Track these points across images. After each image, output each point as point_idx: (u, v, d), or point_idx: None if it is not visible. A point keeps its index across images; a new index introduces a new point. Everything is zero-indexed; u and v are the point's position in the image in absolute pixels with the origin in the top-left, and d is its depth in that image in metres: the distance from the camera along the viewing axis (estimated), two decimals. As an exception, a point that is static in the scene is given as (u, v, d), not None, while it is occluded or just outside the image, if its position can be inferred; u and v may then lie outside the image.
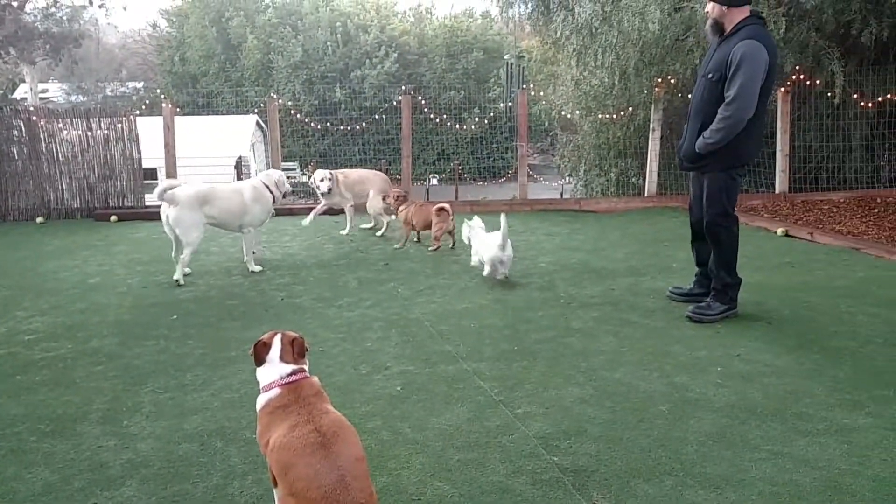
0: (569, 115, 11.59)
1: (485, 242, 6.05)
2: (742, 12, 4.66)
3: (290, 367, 2.54)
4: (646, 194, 10.05)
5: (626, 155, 10.84)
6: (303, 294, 5.81)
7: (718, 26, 4.73)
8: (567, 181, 15.04)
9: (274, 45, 32.95)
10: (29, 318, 5.21)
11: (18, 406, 3.73)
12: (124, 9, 32.33)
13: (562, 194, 15.52)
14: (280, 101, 10.40)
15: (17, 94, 34.29)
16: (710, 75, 4.70)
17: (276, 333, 2.62)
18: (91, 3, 31.91)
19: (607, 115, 10.41)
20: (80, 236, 8.27)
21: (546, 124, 13.96)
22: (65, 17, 32.27)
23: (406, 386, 3.95)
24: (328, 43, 32.96)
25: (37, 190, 9.56)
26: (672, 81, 9.55)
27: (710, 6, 4.72)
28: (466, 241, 6.46)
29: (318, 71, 32.48)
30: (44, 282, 6.24)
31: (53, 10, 31.86)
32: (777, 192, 9.94)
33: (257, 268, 6.49)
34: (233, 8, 34.53)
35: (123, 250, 7.49)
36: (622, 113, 10.19)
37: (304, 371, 2.59)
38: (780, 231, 8.07)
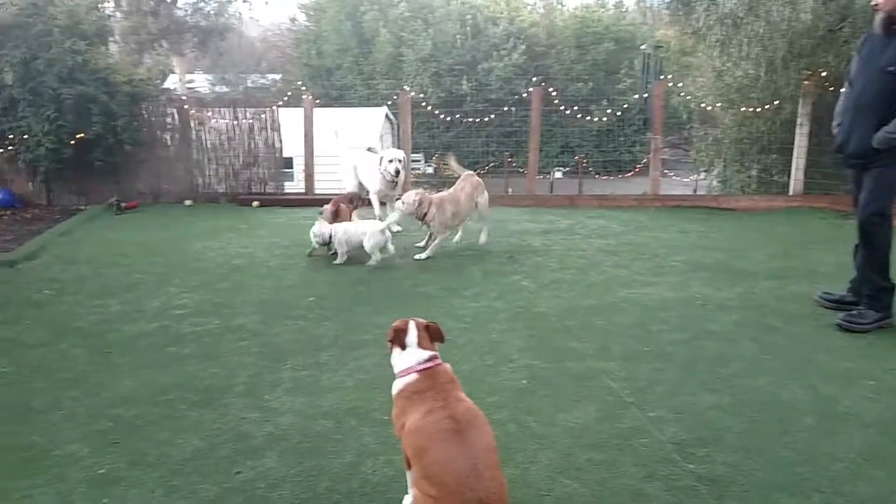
0: (708, 108, 11.03)
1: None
2: None
3: (426, 354, 2.59)
4: (790, 193, 9.42)
5: (769, 151, 10.20)
6: (428, 283, 5.89)
7: (892, 20, 4.36)
8: (702, 177, 14.37)
9: (405, 38, 33.68)
10: (179, 294, 5.61)
11: (170, 376, 4.03)
12: (266, 3, 34.17)
13: (695, 190, 14.87)
14: (411, 94, 10.59)
15: (167, 84, 37.02)
16: (891, 68, 4.34)
17: (409, 320, 2.67)
18: (236, -1, 33.86)
19: (751, 109, 9.81)
20: (225, 219, 8.81)
21: (684, 117, 13.35)
22: (212, 12, 34.47)
23: (532, 380, 3.92)
24: (457, 36, 33.30)
25: (186, 174, 10.27)
26: (823, 74, 8.87)
27: None
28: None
29: (445, 63, 32.90)
30: (192, 261, 6.70)
31: (202, 4, 34.10)
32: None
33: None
34: (368, 2, 35.57)
35: (264, 234, 7.91)
36: (767, 106, 9.57)
37: (438, 358, 2.62)
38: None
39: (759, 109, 9.71)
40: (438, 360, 2.61)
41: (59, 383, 3.96)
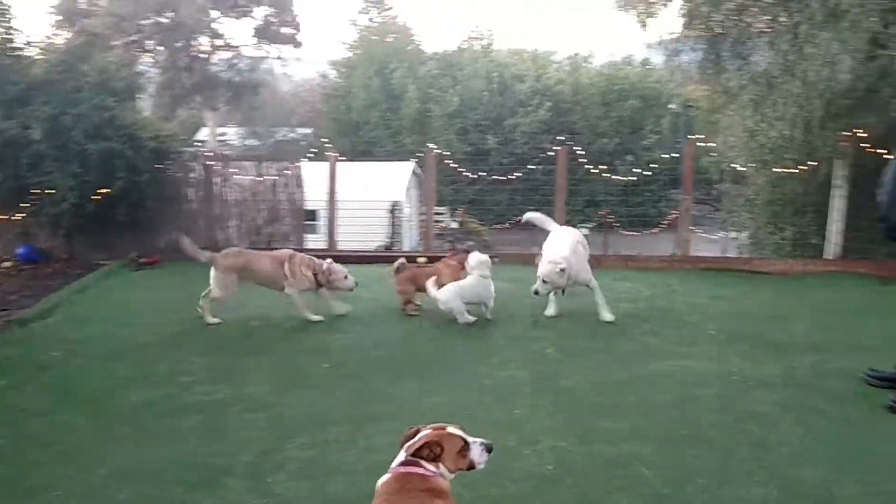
0: (740, 168, 10.78)
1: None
2: None
3: (401, 458, 2.56)
4: (828, 256, 9.05)
5: (804, 212, 9.87)
6: (450, 348, 5.63)
7: None
8: (731, 235, 14.02)
9: (433, 94, 34.11)
10: (189, 358, 5.40)
11: (170, 451, 3.79)
12: (298, 59, 34.87)
13: (724, 250, 14.50)
14: (437, 150, 10.52)
15: (199, 137, 37.85)
16: None
17: (422, 429, 2.62)
18: (269, 55, 34.76)
19: (785, 169, 9.55)
20: (245, 276, 8.65)
21: (716, 176, 13.10)
22: (245, 68, 35.37)
23: (559, 465, 3.61)
24: (484, 92, 33.67)
25: (207, 230, 10.22)
26: (862, 135, 8.60)
27: None
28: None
29: (472, 119, 33.19)
30: (205, 322, 6.51)
31: (236, 61, 35.02)
32: None
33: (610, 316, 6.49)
34: (396, 60, 36.23)
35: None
36: (802, 167, 9.29)
37: (420, 465, 2.52)
38: None
39: (794, 170, 9.44)
40: (417, 468, 2.51)
41: (56, 457, 3.76)
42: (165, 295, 7.69)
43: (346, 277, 6.56)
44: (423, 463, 2.50)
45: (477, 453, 2.60)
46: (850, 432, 4.00)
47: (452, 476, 2.60)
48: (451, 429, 2.61)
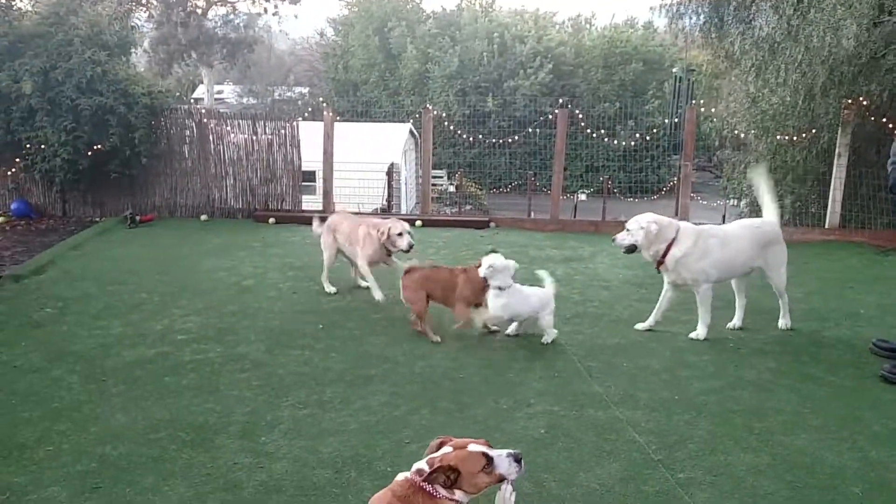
0: (741, 134, 10.65)
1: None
2: None
3: (419, 466, 2.40)
4: (826, 226, 9.00)
5: (805, 181, 9.79)
6: (445, 312, 5.61)
7: None
8: (731, 203, 13.94)
9: (432, 55, 33.64)
10: (183, 318, 5.38)
11: (164, 410, 3.78)
12: (296, 16, 34.32)
13: (724, 217, 14.43)
14: (434, 112, 10.37)
15: (196, 95, 37.40)
16: None
17: (447, 444, 2.44)
18: (266, 12, 34.19)
19: (786, 137, 9.43)
20: (239, 236, 8.61)
21: (716, 143, 12.94)
22: (241, 24, 34.82)
23: (551, 429, 3.62)
24: (484, 53, 33.19)
25: (203, 189, 10.12)
26: (865, 103, 8.48)
27: None
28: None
29: (471, 81, 32.78)
30: (201, 281, 6.48)
31: (232, 16, 34.44)
32: None
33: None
34: (395, 18, 35.64)
35: (278, 253, 7.68)
36: (804, 135, 9.18)
37: (420, 480, 2.34)
38: None
39: (795, 138, 9.34)
40: (419, 483, 2.34)
41: (50, 414, 3.75)
42: (161, 253, 7.64)
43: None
44: (438, 487, 2.33)
45: (504, 466, 2.38)
46: (843, 401, 4.01)
47: (477, 494, 2.43)
48: (472, 446, 2.39)
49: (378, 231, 5.57)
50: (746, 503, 2.98)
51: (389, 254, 5.70)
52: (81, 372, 4.32)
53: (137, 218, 9.31)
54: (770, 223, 5.20)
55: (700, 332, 5.02)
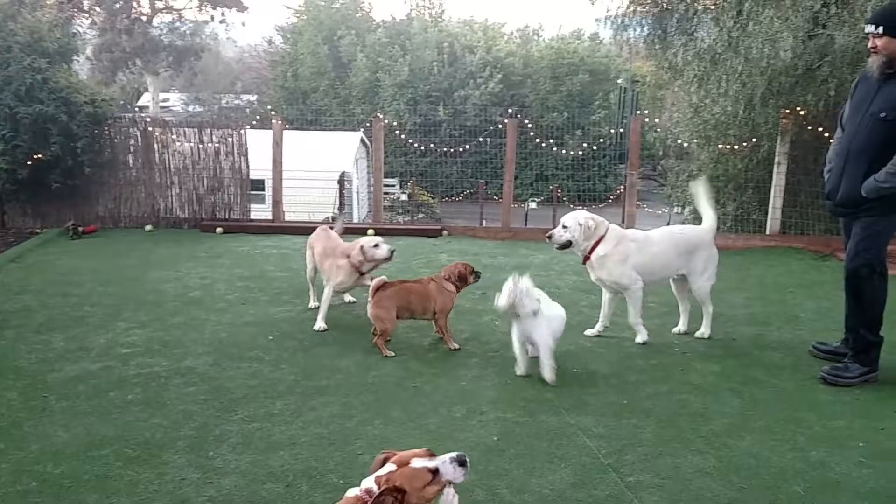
0: (685, 144, 10.95)
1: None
2: None
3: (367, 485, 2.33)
4: (767, 232, 9.31)
5: (746, 189, 10.12)
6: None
7: (890, 64, 4.18)
8: (675, 210, 14.29)
9: (382, 63, 33.62)
10: (128, 331, 5.24)
11: (108, 426, 3.68)
12: (243, 24, 34.07)
13: (668, 223, 14.79)
14: (385, 120, 10.36)
15: (141, 103, 36.57)
16: (882, 115, 4.15)
17: (390, 458, 2.37)
18: (213, 19, 33.71)
19: (728, 146, 9.74)
20: (186, 247, 8.43)
21: (661, 152, 13.26)
22: (188, 31, 34.21)
23: (504, 436, 3.64)
24: (434, 63, 33.35)
25: (148, 198, 9.87)
26: (802, 113, 8.83)
27: (881, 41, 4.16)
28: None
29: (422, 90, 32.88)
30: (146, 292, 6.32)
31: (178, 24, 33.82)
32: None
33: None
34: (345, 26, 35.52)
35: (226, 263, 7.55)
36: (745, 144, 9.49)
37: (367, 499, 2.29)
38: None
39: (736, 147, 9.64)
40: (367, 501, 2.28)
41: (-15, 433, 3.60)
42: (105, 265, 7.42)
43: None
44: None
45: (450, 472, 2.34)
46: (785, 403, 4.15)
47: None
48: (415, 461, 2.33)
49: (349, 257, 5.32)
50: (694, 504, 3.05)
51: (363, 274, 5.41)
52: (21, 388, 4.18)
53: (80, 229, 9.03)
54: (698, 230, 5.38)
55: (640, 335, 5.17)
